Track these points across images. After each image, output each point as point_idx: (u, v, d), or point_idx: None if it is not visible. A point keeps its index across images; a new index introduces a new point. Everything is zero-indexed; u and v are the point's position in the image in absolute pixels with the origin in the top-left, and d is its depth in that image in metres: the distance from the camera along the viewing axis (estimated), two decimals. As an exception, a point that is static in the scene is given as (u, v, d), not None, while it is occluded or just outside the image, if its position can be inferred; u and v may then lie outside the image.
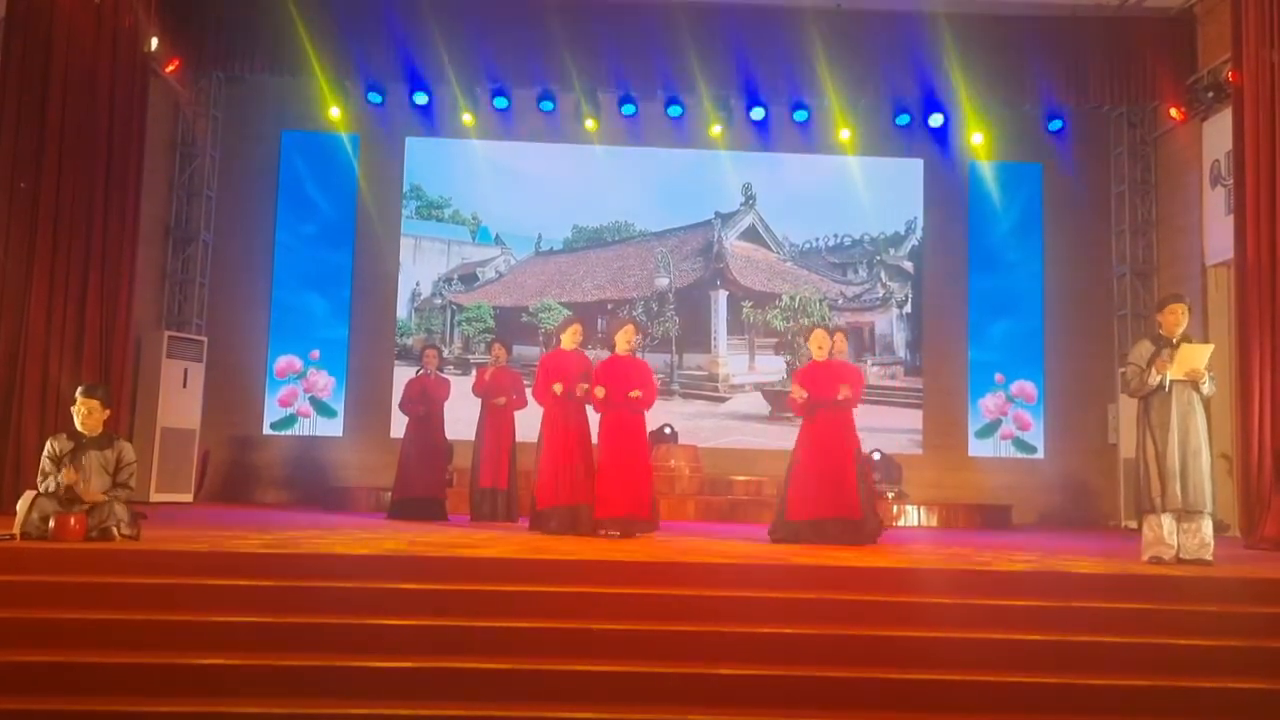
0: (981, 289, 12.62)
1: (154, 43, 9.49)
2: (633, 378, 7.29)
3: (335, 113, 11.63)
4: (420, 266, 12.56)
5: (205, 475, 11.60)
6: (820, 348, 7.13)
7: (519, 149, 12.53)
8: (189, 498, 11.07)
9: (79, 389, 6.13)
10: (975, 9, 10.87)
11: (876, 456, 10.79)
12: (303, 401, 12.21)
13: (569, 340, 7.69)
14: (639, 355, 8.00)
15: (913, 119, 11.73)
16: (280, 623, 4.62)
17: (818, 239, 12.74)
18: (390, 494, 9.39)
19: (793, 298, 12.62)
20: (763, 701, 4.27)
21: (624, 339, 7.38)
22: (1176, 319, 6.19)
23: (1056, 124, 11.87)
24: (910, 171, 12.70)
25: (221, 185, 12.28)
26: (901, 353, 12.64)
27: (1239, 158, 8.76)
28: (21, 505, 5.72)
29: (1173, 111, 11.14)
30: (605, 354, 7.99)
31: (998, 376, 12.52)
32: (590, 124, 11.77)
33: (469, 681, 4.28)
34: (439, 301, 12.55)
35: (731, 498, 10.93)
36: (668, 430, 11.31)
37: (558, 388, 7.34)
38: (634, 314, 11.99)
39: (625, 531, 7.11)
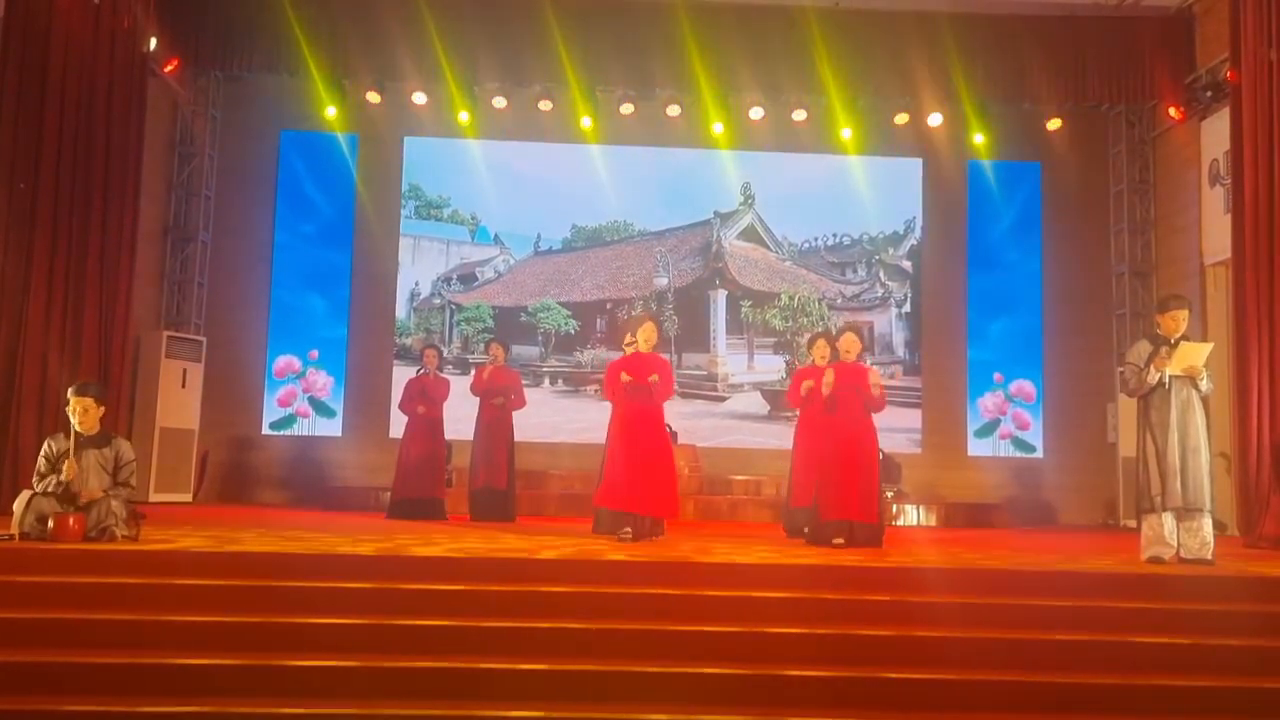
0: (980, 288, 12.62)
1: (153, 42, 9.49)
2: (653, 374, 7.15)
3: (333, 112, 11.62)
4: (419, 266, 12.56)
5: (204, 475, 11.59)
6: (849, 351, 7.11)
7: (518, 148, 12.52)
8: (188, 498, 11.07)
9: (70, 389, 6.11)
10: (974, 8, 10.88)
11: (879, 457, 10.77)
12: (302, 401, 12.21)
13: (645, 343, 7.24)
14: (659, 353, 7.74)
15: (911, 118, 11.74)
16: (281, 623, 4.62)
17: (817, 238, 12.73)
18: (389, 494, 9.38)
19: (792, 297, 12.62)
20: (763, 701, 4.26)
21: (644, 336, 7.24)
22: (1177, 325, 6.17)
23: (1055, 123, 11.86)
24: (909, 171, 12.70)
25: (220, 185, 12.27)
26: (900, 352, 12.64)
27: (1237, 157, 8.75)
28: (18, 505, 5.71)
29: (1171, 110, 11.15)
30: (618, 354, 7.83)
31: (996, 376, 12.53)
32: (589, 123, 11.76)
33: (470, 682, 4.28)
34: (438, 301, 12.55)
35: (731, 497, 10.94)
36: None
37: (626, 377, 7.07)
38: (634, 313, 11.98)
39: (639, 532, 6.89)
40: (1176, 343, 6.13)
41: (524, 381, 9.60)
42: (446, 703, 4.13)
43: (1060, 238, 12.59)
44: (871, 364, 12.28)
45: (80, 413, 5.96)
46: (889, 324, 12.69)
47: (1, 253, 8.15)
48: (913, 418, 12.43)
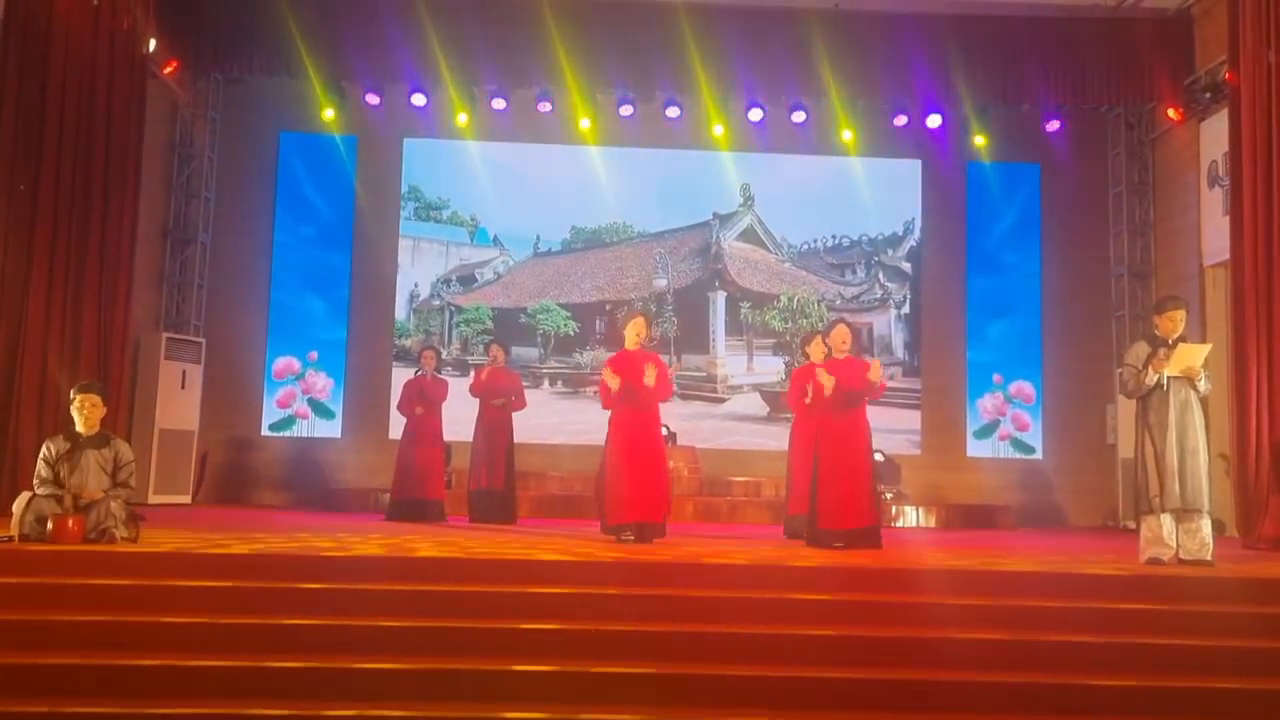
0: (979, 290, 12.63)
1: (152, 44, 9.49)
2: (644, 372, 6.98)
3: (332, 114, 11.62)
4: (418, 268, 12.55)
5: (203, 477, 11.59)
6: (845, 342, 7.06)
7: (517, 150, 12.53)
8: (187, 499, 11.06)
9: (75, 387, 6.13)
10: (973, 9, 10.89)
11: (879, 458, 10.76)
12: (301, 403, 12.20)
13: (632, 339, 7.12)
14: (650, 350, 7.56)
15: (911, 119, 11.73)
16: (278, 625, 4.62)
17: (816, 240, 12.74)
18: (388, 495, 9.38)
19: (791, 298, 12.62)
20: (766, 702, 4.26)
21: (634, 333, 7.12)
22: (1175, 325, 6.17)
23: (1054, 124, 11.87)
24: (908, 172, 12.71)
25: (220, 187, 12.27)
26: (900, 353, 12.64)
27: (1236, 158, 8.76)
28: (17, 506, 5.72)
29: (1170, 112, 11.16)
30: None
31: (996, 377, 12.53)
32: (588, 124, 11.76)
33: (469, 684, 4.28)
34: (437, 303, 12.55)
35: (730, 498, 10.95)
36: (666, 431, 11.27)
37: (614, 381, 6.86)
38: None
39: (640, 536, 6.87)
40: (1174, 344, 6.13)
41: (523, 383, 9.59)
42: (451, 704, 4.13)
43: (1059, 239, 12.59)
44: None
45: (89, 408, 5.98)
46: (888, 325, 12.69)
47: (1, 254, 8.15)
48: (912, 419, 12.43)
